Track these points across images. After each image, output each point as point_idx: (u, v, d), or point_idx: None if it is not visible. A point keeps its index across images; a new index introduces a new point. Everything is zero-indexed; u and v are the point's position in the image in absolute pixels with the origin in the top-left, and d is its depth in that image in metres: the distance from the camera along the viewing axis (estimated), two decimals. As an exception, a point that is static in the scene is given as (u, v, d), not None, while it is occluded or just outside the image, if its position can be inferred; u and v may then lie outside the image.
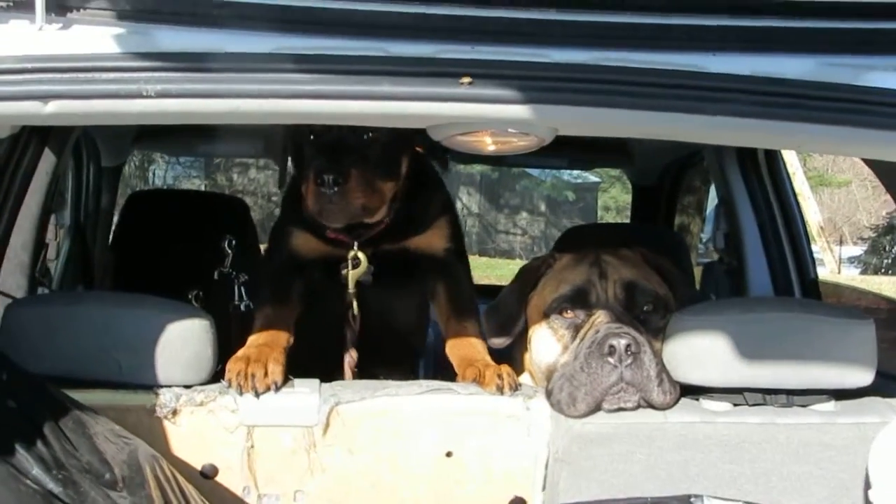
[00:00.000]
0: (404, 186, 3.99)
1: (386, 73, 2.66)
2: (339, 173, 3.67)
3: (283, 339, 3.69)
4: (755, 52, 2.79)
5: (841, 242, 31.08)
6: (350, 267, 3.97)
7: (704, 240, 7.47)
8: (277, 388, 3.41)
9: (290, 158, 4.09)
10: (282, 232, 4.14)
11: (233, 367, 3.45)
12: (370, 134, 3.77)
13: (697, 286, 5.59)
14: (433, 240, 4.10)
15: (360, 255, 3.97)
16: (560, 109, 2.71)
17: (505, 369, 3.57)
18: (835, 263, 27.41)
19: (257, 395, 3.37)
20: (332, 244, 4.00)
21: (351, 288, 4.00)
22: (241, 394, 3.36)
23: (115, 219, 6.52)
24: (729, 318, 3.36)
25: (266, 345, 3.60)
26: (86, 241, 5.97)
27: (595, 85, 2.70)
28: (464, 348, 3.85)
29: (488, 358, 3.75)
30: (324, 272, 4.04)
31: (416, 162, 4.07)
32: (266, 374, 3.42)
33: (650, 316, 3.57)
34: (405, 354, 4.61)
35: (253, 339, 3.68)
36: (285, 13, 2.70)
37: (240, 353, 3.56)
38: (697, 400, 3.39)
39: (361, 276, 4.00)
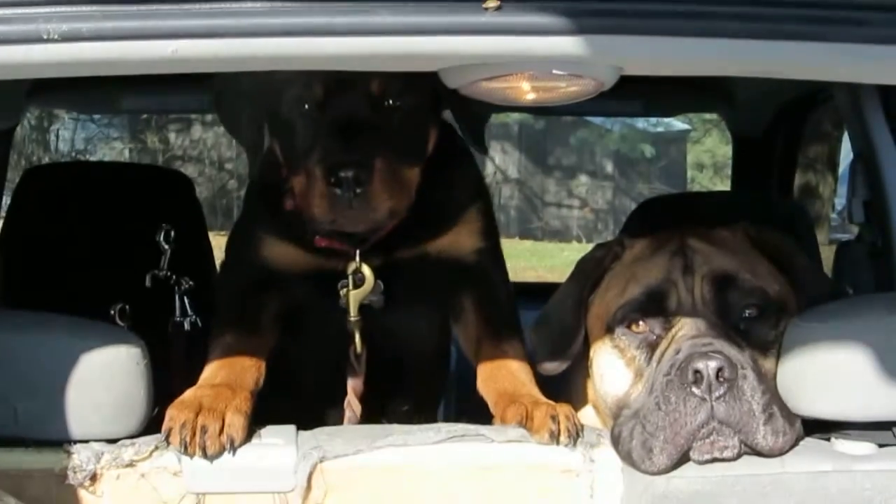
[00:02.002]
0: (424, 169, 3.92)
1: (383, -4, 2.69)
2: (361, 168, 3.61)
3: (249, 378, 3.69)
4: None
5: None
6: (350, 285, 3.94)
7: (838, 209, 7.48)
8: (235, 449, 3.38)
9: (266, 136, 3.97)
10: (248, 238, 4.10)
11: (176, 415, 3.41)
12: (391, 101, 3.75)
13: (830, 275, 5.59)
14: (461, 238, 4.06)
15: (365, 268, 3.94)
16: (625, 41, 2.74)
17: (563, 410, 3.53)
18: None
19: (207, 457, 3.34)
20: (322, 254, 3.98)
21: (353, 314, 3.97)
22: (186, 453, 3.35)
23: (4, 204, 6.50)
24: (871, 322, 3.37)
25: (226, 385, 3.61)
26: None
27: (673, 5, 2.73)
28: (503, 380, 3.85)
29: (537, 392, 3.76)
30: (313, 290, 4.04)
31: (442, 135, 4.02)
32: (222, 428, 3.38)
33: (755, 324, 3.57)
34: (428, 399, 4.62)
35: (207, 377, 3.70)
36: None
37: (187, 395, 3.56)
38: (828, 440, 3.41)
39: (367, 298, 3.97)
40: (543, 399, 3.66)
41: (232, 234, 4.35)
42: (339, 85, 3.68)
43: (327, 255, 3.94)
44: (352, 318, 3.96)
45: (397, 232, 3.91)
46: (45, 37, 2.64)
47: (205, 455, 3.33)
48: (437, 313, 4.28)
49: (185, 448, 3.33)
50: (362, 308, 3.96)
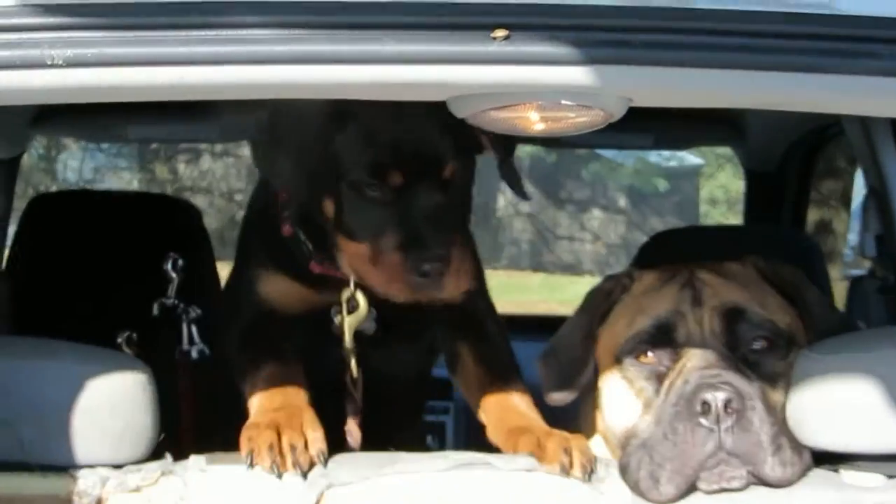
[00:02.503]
0: None
1: (389, 25, 2.72)
2: (444, 261, 3.72)
3: (304, 398, 3.74)
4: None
5: None
6: (345, 312, 4.00)
7: (851, 245, 7.48)
8: (325, 462, 3.44)
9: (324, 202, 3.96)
10: (251, 275, 4.16)
11: (256, 437, 3.45)
12: (456, 181, 3.83)
13: (843, 309, 5.60)
14: (449, 280, 4.01)
15: (359, 295, 4.00)
16: (633, 72, 2.77)
17: (577, 443, 3.54)
18: None
19: (304, 474, 3.38)
20: (318, 287, 4.05)
21: (348, 341, 4.03)
22: (279, 475, 3.37)
23: (12, 231, 6.49)
24: (880, 355, 3.38)
25: (290, 406, 3.66)
26: (-32, 264, 6.03)
27: (683, 36, 2.75)
28: (512, 420, 3.87)
29: (544, 423, 3.79)
30: (308, 325, 4.09)
31: None
32: (306, 444, 3.44)
33: (764, 356, 3.57)
34: (416, 417, 4.68)
35: (265, 404, 3.73)
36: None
37: (259, 419, 3.60)
38: (836, 472, 3.42)
39: (361, 325, 4.03)
40: (557, 431, 3.66)
41: (234, 272, 4.44)
42: (416, 172, 3.74)
43: (322, 287, 4.02)
44: (346, 346, 4.02)
45: None
46: (49, 62, 2.65)
47: (302, 473, 3.36)
48: (425, 340, 4.33)
49: (277, 470, 3.35)
50: (356, 336, 4.02)
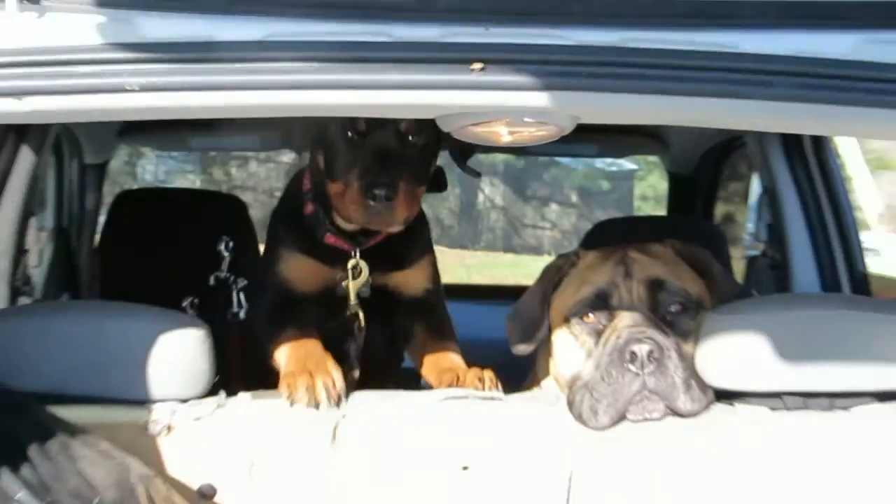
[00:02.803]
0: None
1: (391, 60, 2.72)
2: (389, 188, 3.79)
3: (322, 348, 3.77)
4: (794, 30, 2.83)
5: (903, 230, 30.87)
6: (350, 277, 4.06)
7: (749, 231, 7.48)
8: (347, 398, 3.51)
9: (317, 155, 4.10)
10: (276, 258, 4.23)
11: (294, 381, 3.50)
12: (411, 137, 3.89)
13: (741, 281, 5.60)
14: (414, 277, 4.26)
15: (362, 263, 4.08)
16: (580, 96, 2.76)
17: (486, 373, 3.72)
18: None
19: (338, 405, 3.46)
20: (329, 262, 4.11)
21: (353, 299, 4.09)
22: (317, 407, 3.44)
23: (102, 220, 6.52)
24: (768, 316, 3.40)
25: (315, 355, 3.69)
26: (70, 245, 6.02)
27: (618, 69, 2.75)
28: (440, 359, 4.01)
29: (465, 366, 3.90)
30: (321, 298, 4.15)
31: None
32: (334, 383, 3.51)
33: (679, 317, 3.59)
34: (392, 374, 4.69)
35: (293, 355, 3.74)
36: (278, -6, 2.76)
37: (293, 367, 3.63)
38: (733, 405, 3.44)
39: (361, 289, 4.10)
40: (475, 368, 3.82)
41: (265, 252, 4.48)
42: (376, 122, 3.81)
43: (333, 262, 4.09)
44: (352, 302, 4.09)
45: (377, 258, 4.11)
46: (126, 88, 2.65)
47: (337, 404, 3.46)
48: (399, 320, 4.34)
49: (316, 404, 3.44)
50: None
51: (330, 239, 4.09)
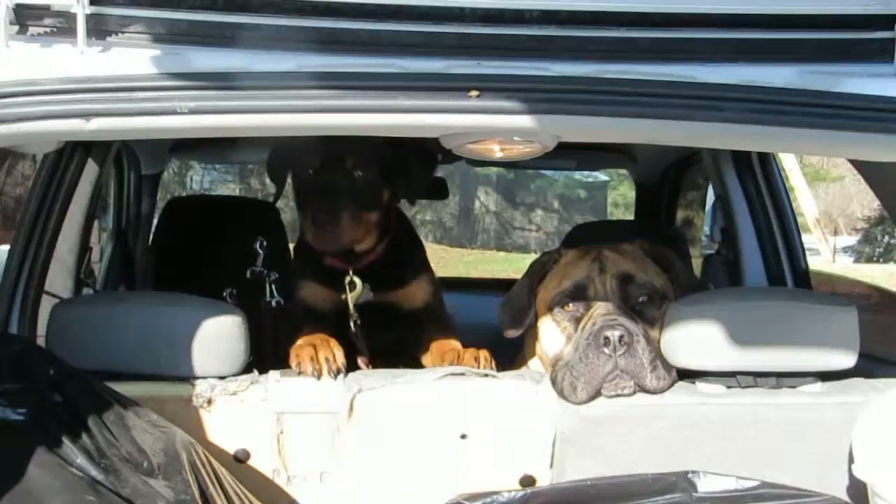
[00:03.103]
0: (389, 227, 4.18)
1: (401, 88, 2.72)
2: (332, 216, 3.87)
3: (328, 335, 3.74)
4: (742, 63, 2.83)
5: (836, 233, 30.91)
6: (348, 290, 4.08)
7: (705, 233, 7.45)
8: (346, 373, 3.50)
9: (292, 187, 4.23)
10: (297, 286, 4.28)
11: (301, 353, 3.53)
12: (359, 172, 3.97)
13: (699, 276, 5.60)
14: (413, 293, 4.25)
15: (356, 279, 4.09)
16: (561, 119, 2.77)
17: (482, 353, 3.72)
18: (830, 253, 27.30)
19: (335, 377, 3.45)
20: (334, 286, 4.13)
21: (352, 308, 4.10)
22: (317, 377, 3.44)
23: (155, 223, 6.50)
24: (722, 306, 3.39)
25: (318, 337, 3.68)
26: (127, 244, 6.02)
27: (593, 95, 2.75)
28: (442, 345, 4.01)
29: (464, 348, 3.89)
30: (331, 315, 4.15)
31: (399, 221, 4.30)
32: (335, 357, 3.51)
33: (646, 307, 3.57)
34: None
35: (304, 339, 3.72)
36: (306, 34, 2.76)
37: (301, 343, 3.64)
38: (694, 383, 3.42)
39: (360, 298, 4.11)
40: (472, 349, 3.82)
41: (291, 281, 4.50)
42: (328, 161, 3.96)
43: (338, 286, 4.12)
44: (351, 311, 4.10)
45: (377, 279, 4.15)
46: (177, 111, 2.66)
47: (334, 376, 3.46)
48: (399, 327, 4.33)
49: (317, 374, 3.45)
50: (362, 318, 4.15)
51: (328, 261, 4.13)
